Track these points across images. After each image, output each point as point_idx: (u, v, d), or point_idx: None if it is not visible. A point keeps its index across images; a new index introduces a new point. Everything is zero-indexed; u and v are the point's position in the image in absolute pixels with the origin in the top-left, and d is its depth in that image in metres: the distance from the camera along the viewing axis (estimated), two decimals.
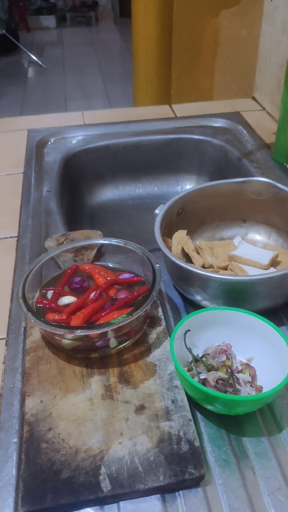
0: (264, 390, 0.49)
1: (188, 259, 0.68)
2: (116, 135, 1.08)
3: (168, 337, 0.56)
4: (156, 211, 0.67)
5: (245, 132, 1.07)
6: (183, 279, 0.61)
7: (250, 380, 0.50)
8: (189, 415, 0.47)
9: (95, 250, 0.69)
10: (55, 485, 0.42)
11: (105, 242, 0.65)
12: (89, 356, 0.54)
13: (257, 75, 1.22)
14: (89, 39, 5.08)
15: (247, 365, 0.52)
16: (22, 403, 0.51)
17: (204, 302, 0.60)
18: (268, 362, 0.51)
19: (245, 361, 0.53)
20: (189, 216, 0.71)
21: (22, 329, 0.60)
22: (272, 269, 0.65)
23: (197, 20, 1.58)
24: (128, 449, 0.45)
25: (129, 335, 0.54)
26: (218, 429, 0.48)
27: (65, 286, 0.61)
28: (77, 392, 0.50)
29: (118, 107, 1.29)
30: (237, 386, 0.48)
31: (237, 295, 0.57)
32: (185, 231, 0.69)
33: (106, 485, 0.42)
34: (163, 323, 0.59)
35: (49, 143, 1.06)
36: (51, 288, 0.60)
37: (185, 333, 0.51)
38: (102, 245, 0.69)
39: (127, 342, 0.55)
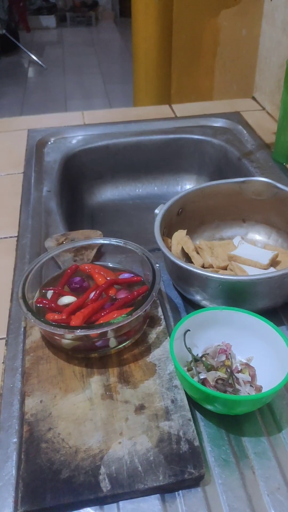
0: (263, 390, 0.49)
1: (188, 259, 0.68)
2: (116, 135, 1.08)
3: (168, 337, 0.56)
4: (156, 211, 0.67)
5: (245, 132, 1.07)
6: (183, 279, 0.61)
7: (250, 380, 0.50)
8: (189, 415, 0.48)
9: (95, 250, 0.69)
10: (55, 485, 0.42)
11: (105, 242, 0.65)
12: (89, 356, 0.54)
13: (257, 75, 1.22)
14: (89, 39, 5.08)
15: (247, 365, 0.52)
16: (22, 403, 0.51)
17: (204, 302, 0.60)
18: (268, 362, 0.51)
19: (244, 361, 0.53)
20: (189, 216, 0.71)
21: (22, 329, 0.60)
22: (272, 269, 0.65)
23: (197, 20, 1.58)
24: (128, 449, 0.45)
25: (129, 335, 0.54)
26: (217, 429, 0.48)
27: (65, 286, 0.61)
28: (77, 392, 0.50)
29: (118, 107, 1.29)
30: (237, 386, 0.48)
31: (236, 295, 0.57)
32: (185, 231, 0.69)
33: (105, 485, 0.42)
34: (163, 323, 0.59)
35: (49, 143, 1.06)
36: (51, 288, 0.60)
37: (185, 333, 0.51)
38: (102, 245, 0.69)
39: (127, 342, 0.55)
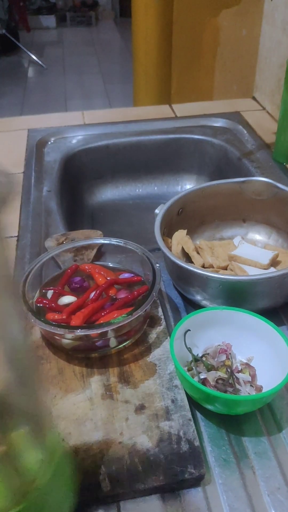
0: (264, 390, 0.49)
1: (188, 259, 0.68)
2: (116, 135, 1.08)
3: (168, 337, 0.56)
4: (156, 211, 0.67)
5: (245, 132, 1.07)
6: (183, 279, 0.61)
7: (250, 379, 0.50)
8: (189, 415, 0.47)
9: (95, 250, 0.69)
10: None
11: (105, 242, 0.65)
12: (89, 356, 0.54)
13: (257, 75, 1.22)
14: (89, 39, 5.08)
15: (247, 365, 0.52)
16: None
17: (204, 302, 0.60)
18: (268, 362, 0.51)
19: (245, 361, 0.53)
20: (189, 216, 0.71)
21: None
22: (272, 269, 0.65)
23: (197, 20, 1.58)
24: (128, 449, 0.45)
25: (129, 335, 0.54)
26: (218, 428, 0.48)
27: (65, 286, 0.61)
28: (77, 391, 0.50)
29: (118, 107, 1.29)
30: (237, 386, 0.48)
31: (237, 295, 0.57)
32: (185, 231, 0.69)
33: (106, 485, 0.42)
34: (163, 322, 0.59)
35: (49, 142, 1.06)
36: (51, 287, 0.60)
37: (185, 333, 0.51)
38: (102, 245, 0.69)
39: (127, 342, 0.55)
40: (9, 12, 4.46)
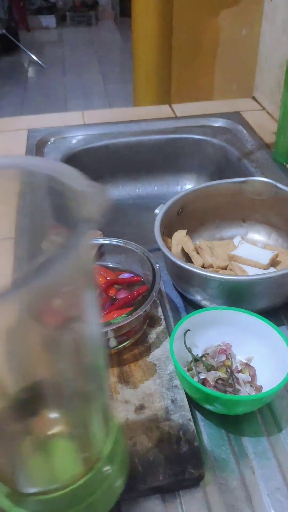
0: (263, 390, 0.49)
1: (188, 259, 0.68)
2: (116, 135, 1.08)
3: (168, 337, 0.56)
4: (156, 211, 0.67)
5: (245, 132, 1.07)
6: (183, 279, 0.61)
7: (250, 380, 0.50)
8: (189, 415, 0.47)
9: (95, 250, 0.69)
10: None
11: (105, 242, 0.65)
12: None
13: (257, 75, 1.21)
14: (89, 38, 5.08)
15: (247, 365, 0.52)
16: None
17: (204, 302, 0.60)
18: (268, 362, 0.51)
19: (244, 361, 0.53)
20: (189, 216, 0.71)
21: None
22: (272, 269, 0.65)
23: (197, 20, 1.58)
24: (128, 449, 0.45)
25: (129, 335, 0.54)
26: (217, 429, 0.48)
27: None
28: None
29: (118, 107, 1.29)
30: (237, 386, 0.48)
31: (237, 295, 0.57)
32: (185, 231, 0.69)
33: None
34: (163, 323, 0.59)
35: (49, 142, 1.06)
36: None
37: (185, 333, 0.51)
38: (102, 245, 0.69)
39: (127, 342, 0.55)
40: (9, 12, 4.47)
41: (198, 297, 0.60)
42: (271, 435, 0.48)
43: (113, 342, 0.53)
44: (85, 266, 0.25)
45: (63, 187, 0.26)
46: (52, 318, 0.55)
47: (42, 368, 0.29)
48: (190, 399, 0.50)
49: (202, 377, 0.49)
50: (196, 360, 0.51)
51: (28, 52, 4.31)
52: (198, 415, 0.50)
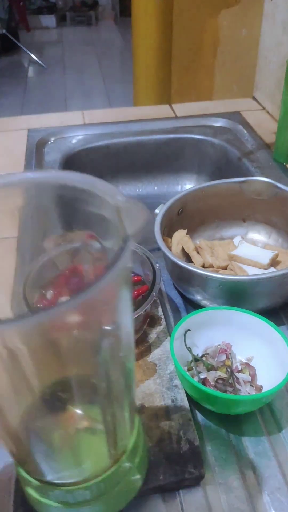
0: (264, 390, 0.49)
1: (188, 259, 0.68)
2: (116, 134, 1.08)
3: (168, 337, 0.56)
4: (156, 210, 0.67)
5: (245, 132, 1.07)
6: (183, 278, 0.61)
7: (250, 379, 0.50)
8: (189, 415, 0.48)
9: (92, 250, 0.69)
10: None
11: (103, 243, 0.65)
12: None
13: (257, 75, 1.21)
14: (89, 38, 5.08)
15: (247, 365, 0.52)
16: None
17: (204, 302, 0.60)
18: (268, 362, 0.51)
19: (245, 361, 0.53)
20: (189, 216, 0.71)
21: None
22: (272, 269, 0.65)
23: (197, 20, 1.58)
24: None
25: None
26: (218, 428, 0.48)
27: (64, 287, 0.61)
28: None
29: (118, 107, 1.29)
30: (237, 386, 0.49)
31: (237, 295, 0.57)
32: (185, 231, 0.69)
33: None
34: (163, 322, 0.59)
35: (49, 142, 1.06)
36: (51, 288, 0.60)
37: (185, 332, 0.51)
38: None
39: None
40: (9, 11, 4.46)
41: (198, 297, 0.60)
42: (271, 435, 0.48)
43: None
44: (126, 275, 0.27)
45: (99, 201, 0.28)
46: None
47: (76, 367, 0.30)
48: (190, 399, 0.50)
49: (202, 377, 0.49)
50: (196, 360, 0.51)
51: (28, 52, 4.31)
52: (198, 415, 0.50)
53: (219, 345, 0.53)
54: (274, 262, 0.66)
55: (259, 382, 0.51)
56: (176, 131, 1.10)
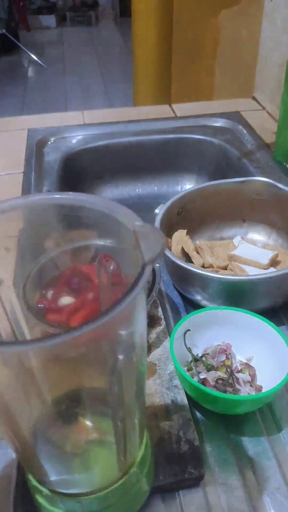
0: (263, 390, 0.49)
1: (188, 259, 0.68)
2: (116, 134, 1.08)
3: (168, 337, 0.56)
4: (156, 211, 0.67)
5: (245, 132, 1.07)
6: (183, 279, 0.61)
7: (250, 379, 0.50)
8: (189, 415, 0.48)
9: (92, 251, 0.69)
10: None
11: (102, 243, 0.65)
12: None
13: (257, 75, 1.21)
14: (89, 38, 5.08)
15: (247, 365, 0.52)
16: None
17: (204, 302, 0.60)
18: (268, 362, 0.51)
19: (244, 361, 0.53)
20: (189, 216, 0.71)
21: None
22: (272, 269, 0.65)
23: (197, 20, 1.58)
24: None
25: None
26: (217, 428, 0.48)
27: (64, 287, 0.61)
28: None
29: (118, 107, 1.29)
30: (237, 386, 0.48)
31: (237, 295, 0.57)
32: (185, 231, 0.69)
33: None
34: (163, 322, 0.59)
35: (49, 142, 1.06)
36: (51, 288, 0.60)
37: (185, 332, 0.51)
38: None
39: None
40: (9, 11, 4.47)
41: (198, 297, 0.60)
42: (271, 435, 0.48)
43: None
44: (142, 296, 0.28)
45: (118, 225, 0.30)
46: (53, 316, 0.55)
47: (89, 381, 0.31)
48: (190, 399, 0.50)
49: (202, 377, 0.49)
50: (196, 360, 0.51)
51: (28, 52, 4.31)
52: (198, 415, 0.50)
53: (219, 345, 0.53)
54: (274, 262, 0.66)
55: (259, 382, 0.51)
56: (176, 131, 1.10)
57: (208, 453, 0.46)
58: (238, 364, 0.52)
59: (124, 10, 5.23)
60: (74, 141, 1.07)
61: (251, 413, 0.50)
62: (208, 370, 0.50)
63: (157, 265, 0.57)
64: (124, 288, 0.25)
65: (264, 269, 0.65)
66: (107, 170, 1.10)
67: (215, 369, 0.50)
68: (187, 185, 1.12)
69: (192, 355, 0.51)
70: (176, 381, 0.51)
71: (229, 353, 0.52)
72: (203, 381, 0.49)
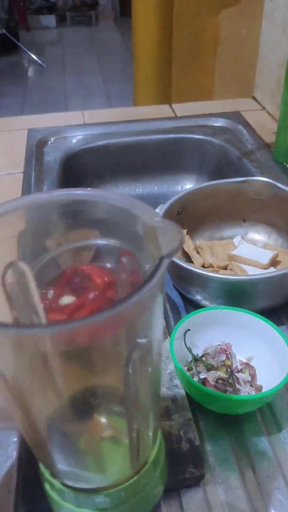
0: (263, 390, 0.49)
1: (188, 259, 0.68)
2: (116, 134, 1.08)
3: (168, 337, 0.56)
4: (156, 210, 0.67)
5: (245, 131, 1.07)
6: (183, 279, 0.61)
7: (250, 379, 0.50)
8: (189, 415, 0.48)
9: (93, 250, 0.69)
10: None
11: (103, 242, 0.65)
12: None
13: (257, 75, 1.22)
14: (89, 38, 5.09)
15: (247, 365, 0.52)
16: None
17: (204, 302, 0.60)
18: (268, 362, 0.51)
19: (245, 361, 0.53)
20: (189, 216, 0.71)
21: None
22: (272, 269, 0.66)
23: (197, 20, 1.58)
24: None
25: None
26: (218, 428, 0.48)
27: (65, 287, 0.61)
28: None
29: (118, 107, 1.29)
30: (237, 386, 0.49)
31: (237, 295, 0.57)
32: (184, 231, 0.69)
33: None
34: (163, 322, 0.59)
35: (49, 142, 1.06)
36: (52, 288, 0.60)
37: (185, 332, 0.51)
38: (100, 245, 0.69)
39: None
40: (9, 11, 4.47)
41: (198, 297, 0.60)
42: (271, 435, 0.48)
43: None
44: (159, 291, 0.28)
45: (138, 221, 0.30)
46: (54, 316, 0.55)
47: (105, 377, 0.32)
48: (190, 399, 0.50)
49: (202, 376, 0.49)
50: (196, 359, 0.51)
51: (28, 52, 4.31)
52: (198, 414, 0.50)
53: (219, 345, 0.53)
54: (274, 262, 0.66)
55: (259, 382, 0.51)
56: (176, 131, 1.10)
57: (208, 452, 0.46)
58: (238, 364, 0.52)
59: (124, 10, 5.23)
60: (74, 141, 1.07)
61: (251, 413, 0.50)
62: (208, 370, 0.50)
63: None
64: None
65: (264, 269, 0.65)
66: (107, 170, 1.10)
67: (215, 369, 0.50)
68: (187, 185, 1.12)
69: (192, 355, 0.51)
70: (176, 381, 0.51)
71: (229, 353, 0.52)
72: (203, 381, 0.49)
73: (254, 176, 0.90)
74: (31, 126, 1.12)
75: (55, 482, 0.37)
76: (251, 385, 0.50)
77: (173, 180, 1.13)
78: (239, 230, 0.76)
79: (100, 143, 1.06)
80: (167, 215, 0.66)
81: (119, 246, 0.63)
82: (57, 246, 0.69)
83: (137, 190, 1.12)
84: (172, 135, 1.08)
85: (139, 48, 1.59)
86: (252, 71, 1.23)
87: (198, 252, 0.68)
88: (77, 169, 1.05)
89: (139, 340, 0.28)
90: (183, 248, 0.68)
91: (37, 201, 0.35)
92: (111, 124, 1.12)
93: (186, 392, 0.50)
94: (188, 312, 0.62)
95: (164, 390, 0.50)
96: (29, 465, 0.44)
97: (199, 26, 1.58)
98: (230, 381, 0.49)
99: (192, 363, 0.51)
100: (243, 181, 0.71)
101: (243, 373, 0.50)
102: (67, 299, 0.58)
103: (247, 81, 1.28)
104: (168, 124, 1.12)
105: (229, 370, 0.50)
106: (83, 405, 0.32)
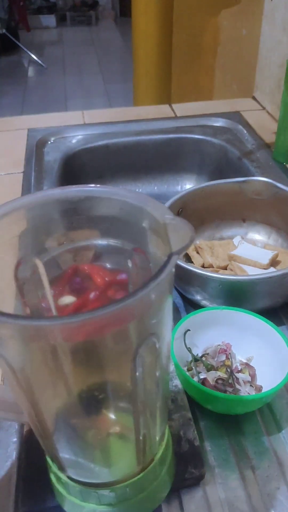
0: (263, 390, 0.49)
1: (188, 259, 0.68)
2: (116, 134, 1.08)
3: None
4: None
5: (245, 131, 1.07)
6: (183, 279, 0.61)
7: (250, 379, 0.50)
8: (189, 415, 0.48)
9: (93, 250, 0.69)
10: None
11: (103, 242, 0.65)
12: None
13: (257, 75, 1.22)
14: (89, 38, 5.09)
15: (247, 365, 0.52)
16: None
17: (204, 302, 0.60)
18: (268, 362, 0.51)
19: (244, 361, 0.53)
20: (189, 216, 0.71)
21: None
22: (272, 269, 0.66)
23: (197, 20, 1.58)
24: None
25: None
26: (218, 428, 0.48)
27: (66, 286, 0.61)
28: None
29: (118, 107, 1.29)
30: (237, 386, 0.49)
31: (237, 295, 0.57)
32: None
33: None
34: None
35: (49, 142, 1.06)
36: (52, 288, 0.60)
37: (185, 332, 0.51)
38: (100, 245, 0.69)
39: None
40: (9, 11, 4.47)
41: (198, 297, 0.60)
42: (271, 435, 0.48)
43: None
44: (168, 288, 0.29)
45: (150, 217, 0.31)
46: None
47: (114, 373, 0.32)
48: (190, 399, 0.50)
49: (202, 377, 0.49)
50: (196, 360, 0.51)
51: (28, 52, 4.31)
52: (199, 415, 0.50)
53: (219, 345, 0.53)
54: (274, 262, 0.66)
55: (259, 382, 0.51)
56: (176, 131, 1.10)
57: (208, 452, 0.46)
58: (238, 364, 0.52)
59: (124, 10, 5.23)
60: (74, 141, 1.07)
61: (251, 413, 0.50)
62: (208, 370, 0.50)
63: None
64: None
65: (264, 269, 0.65)
66: (107, 170, 1.10)
67: (215, 369, 0.50)
68: (187, 185, 1.12)
69: (192, 355, 0.51)
70: (176, 381, 0.51)
71: (229, 353, 0.52)
72: (203, 381, 0.49)
73: (254, 176, 0.90)
74: (31, 126, 1.12)
75: (61, 475, 0.37)
76: (251, 385, 0.50)
77: (173, 180, 1.13)
78: (239, 230, 0.76)
79: (100, 143, 1.06)
80: None
81: (119, 246, 0.63)
82: (58, 245, 0.69)
83: (137, 190, 1.12)
84: (172, 135, 1.08)
85: (139, 48, 1.59)
86: (252, 71, 1.23)
87: (198, 252, 0.68)
88: (77, 169, 1.05)
89: (146, 336, 0.28)
90: None
91: (41, 199, 0.35)
92: (111, 124, 1.12)
93: (186, 392, 0.50)
94: (188, 312, 0.62)
95: None
96: (29, 465, 0.44)
97: (199, 26, 1.58)
98: (230, 381, 0.49)
99: (192, 363, 0.51)
100: (243, 181, 0.71)
101: (243, 373, 0.50)
102: (67, 299, 0.58)
103: (247, 81, 1.28)
104: (168, 124, 1.12)
105: (229, 370, 0.50)
106: (92, 400, 0.33)
